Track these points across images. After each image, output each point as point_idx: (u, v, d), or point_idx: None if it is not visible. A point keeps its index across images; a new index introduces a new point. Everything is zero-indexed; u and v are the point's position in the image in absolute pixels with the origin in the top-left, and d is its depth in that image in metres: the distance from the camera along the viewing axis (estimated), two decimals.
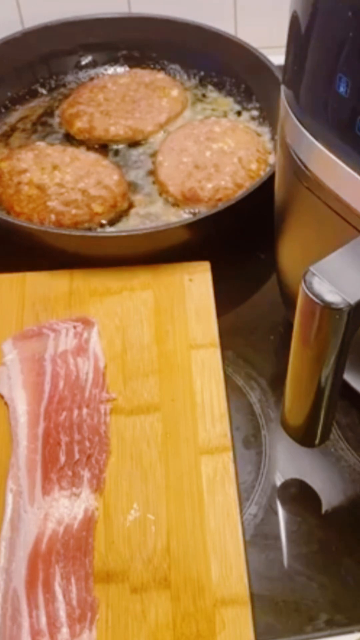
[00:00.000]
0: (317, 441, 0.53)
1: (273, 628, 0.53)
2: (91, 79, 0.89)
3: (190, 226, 0.68)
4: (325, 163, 0.46)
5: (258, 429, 0.63)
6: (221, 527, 0.56)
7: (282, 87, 0.50)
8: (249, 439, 0.63)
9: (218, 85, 0.88)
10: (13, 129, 0.85)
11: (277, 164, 0.56)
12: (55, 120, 0.85)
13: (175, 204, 0.75)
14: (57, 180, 0.75)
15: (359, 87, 0.41)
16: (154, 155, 0.80)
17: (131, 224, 0.74)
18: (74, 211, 0.73)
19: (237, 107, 0.86)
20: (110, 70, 0.90)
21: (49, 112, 0.86)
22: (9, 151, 0.81)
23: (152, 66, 0.89)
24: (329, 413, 0.51)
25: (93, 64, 0.90)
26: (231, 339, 0.67)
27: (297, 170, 0.50)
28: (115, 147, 0.82)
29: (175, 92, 0.86)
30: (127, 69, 0.90)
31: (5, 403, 0.62)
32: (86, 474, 0.58)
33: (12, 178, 0.76)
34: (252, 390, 0.65)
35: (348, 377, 0.56)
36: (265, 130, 0.83)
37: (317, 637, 0.53)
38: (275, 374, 0.66)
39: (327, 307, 0.42)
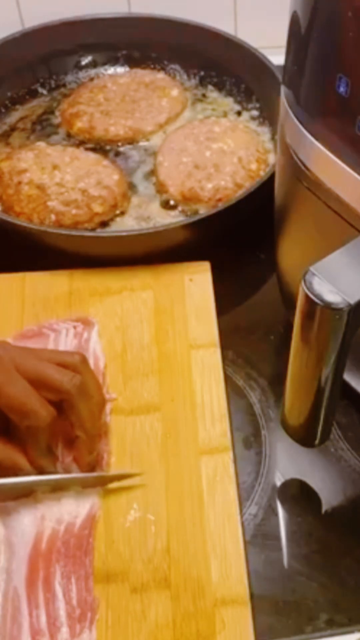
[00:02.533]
0: (317, 441, 0.53)
1: (273, 628, 0.53)
2: (91, 79, 0.89)
3: (190, 226, 0.68)
4: (325, 163, 0.46)
5: (258, 429, 0.63)
6: (221, 527, 0.56)
7: (282, 87, 0.50)
8: (249, 439, 0.63)
9: (218, 85, 0.88)
10: (13, 128, 0.85)
11: (277, 164, 0.56)
12: (55, 120, 0.85)
13: (175, 204, 0.75)
14: (57, 180, 0.75)
15: (359, 87, 0.41)
16: (154, 155, 0.80)
17: (131, 224, 0.74)
18: (74, 211, 0.73)
19: (237, 107, 0.86)
20: (110, 70, 0.90)
21: (49, 112, 0.86)
22: (9, 151, 0.81)
23: (152, 66, 0.89)
24: (329, 413, 0.51)
25: (93, 64, 0.90)
26: (231, 339, 0.67)
27: (297, 170, 0.50)
28: (115, 147, 0.82)
29: (175, 92, 0.86)
30: (127, 69, 0.90)
31: None
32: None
33: (12, 178, 0.76)
34: (252, 390, 0.65)
35: (348, 377, 0.56)
36: (265, 130, 0.83)
37: (317, 637, 0.53)
38: (275, 374, 0.66)
39: (327, 307, 0.42)
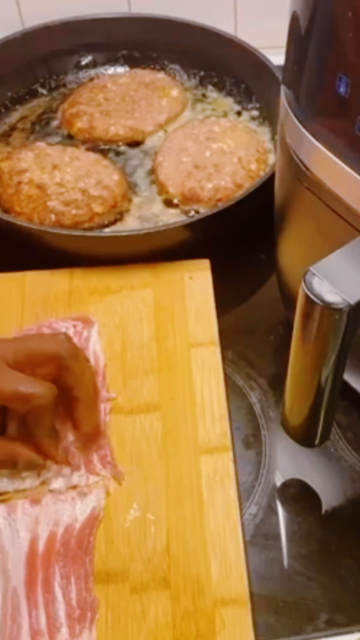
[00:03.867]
0: (317, 441, 0.53)
1: (273, 628, 0.53)
2: (91, 79, 0.89)
3: (190, 226, 0.68)
4: (325, 163, 0.46)
5: (258, 429, 0.63)
6: (221, 527, 0.56)
7: (282, 87, 0.50)
8: (249, 439, 0.63)
9: (218, 85, 0.88)
10: (13, 128, 0.85)
11: (277, 164, 0.56)
12: (56, 120, 0.85)
13: (175, 204, 0.76)
14: (57, 180, 0.75)
15: (359, 87, 0.41)
16: (154, 155, 0.80)
17: (131, 224, 0.74)
18: (74, 211, 0.73)
19: (237, 107, 0.86)
20: (110, 70, 0.90)
21: (49, 112, 0.86)
22: (9, 151, 0.81)
23: (152, 66, 0.89)
24: (329, 413, 0.51)
25: (93, 64, 0.90)
26: (231, 339, 0.67)
27: (297, 170, 0.50)
28: (115, 147, 0.82)
29: (175, 92, 0.86)
30: (127, 69, 0.90)
31: None
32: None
33: (12, 178, 0.76)
34: (252, 390, 0.65)
35: (348, 377, 0.56)
36: (265, 130, 0.83)
37: (317, 637, 0.53)
38: (275, 374, 0.66)
39: (327, 307, 0.42)
